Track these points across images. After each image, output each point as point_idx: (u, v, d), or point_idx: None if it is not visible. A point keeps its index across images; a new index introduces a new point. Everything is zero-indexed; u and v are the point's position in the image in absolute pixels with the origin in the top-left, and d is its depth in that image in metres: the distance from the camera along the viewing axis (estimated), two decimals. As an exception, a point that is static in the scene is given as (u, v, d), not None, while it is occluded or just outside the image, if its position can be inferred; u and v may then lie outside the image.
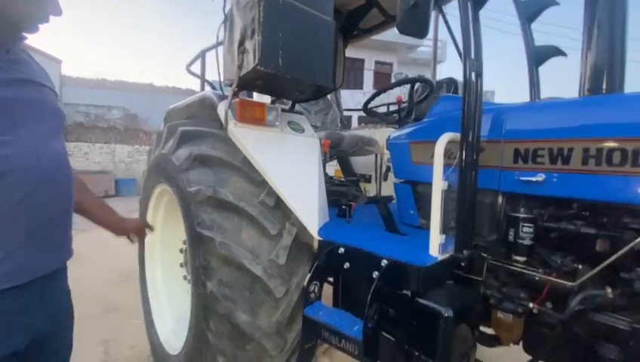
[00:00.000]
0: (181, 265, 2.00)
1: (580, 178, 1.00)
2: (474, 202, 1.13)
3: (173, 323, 1.92)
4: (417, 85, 2.03)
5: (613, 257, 0.94)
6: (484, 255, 1.21)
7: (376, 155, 2.38)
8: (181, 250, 2.00)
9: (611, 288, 0.97)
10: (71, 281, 3.24)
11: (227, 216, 1.30)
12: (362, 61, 16.20)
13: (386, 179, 2.14)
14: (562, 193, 1.04)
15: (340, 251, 1.27)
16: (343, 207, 1.65)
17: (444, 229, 1.12)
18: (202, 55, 2.00)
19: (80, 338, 2.45)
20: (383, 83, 14.82)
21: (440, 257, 1.09)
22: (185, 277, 1.94)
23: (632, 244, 0.91)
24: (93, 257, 4.42)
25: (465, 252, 1.13)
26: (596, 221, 1.01)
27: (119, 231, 1.27)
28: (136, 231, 1.32)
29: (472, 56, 1.10)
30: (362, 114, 2.21)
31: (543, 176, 1.06)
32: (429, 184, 1.35)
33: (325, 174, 1.92)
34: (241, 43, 1.23)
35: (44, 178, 0.79)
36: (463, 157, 1.09)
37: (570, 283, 1.03)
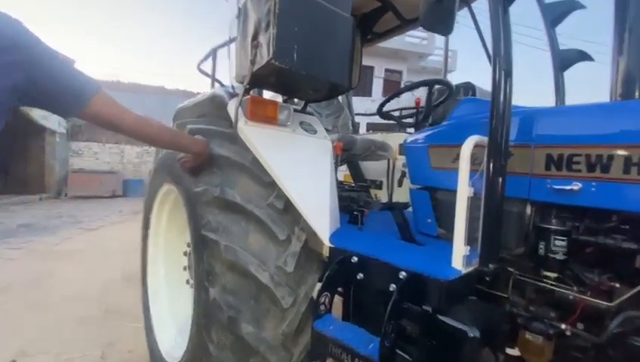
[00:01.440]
0: (184, 269, 1.93)
1: (622, 188, 0.91)
2: (501, 211, 1.04)
3: (174, 331, 1.84)
4: (434, 89, 1.96)
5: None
6: (511, 269, 1.12)
7: (388, 161, 2.31)
8: (185, 253, 1.93)
9: None
10: (73, 282, 3.20)
11: (234, 219, 1.23)
12: (372, 68, 16.19)
13: (401, 185, 2.06)
14: (601, 204, 0.95)
15: (352, 260, 1.18)
16: (355, 213, 1.57)
17: (471, 241, 1.03)
18: (213, 53, 1.96)
19: (78, 341, 2.41)
20: (393, 91, 14.76)
21: (464, 271, 1.00)
22: (187, 282, 1.87)
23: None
24: (96, 256, 4.39)
25: (491, 266, 1.04)
26: (638, 235, 0.92)
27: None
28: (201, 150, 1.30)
29: (502, 53, 1.02)
30: (371, 120, 2.15)
31: (580, 185, 0.97)
32: (450, 191, 1.26)
33: (336, 179, 1.85)
34: (255, 37, 1.18)
35: None
36: (491, 163, 1.01)
37: (607, 304, 0.93)
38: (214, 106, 1.59)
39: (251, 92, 1.41)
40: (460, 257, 1.00)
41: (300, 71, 1.16)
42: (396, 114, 2.13)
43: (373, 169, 2.61)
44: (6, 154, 9.66)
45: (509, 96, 1.03)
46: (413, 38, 16.65)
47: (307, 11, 1.18)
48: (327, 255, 1.44)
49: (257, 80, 1.29)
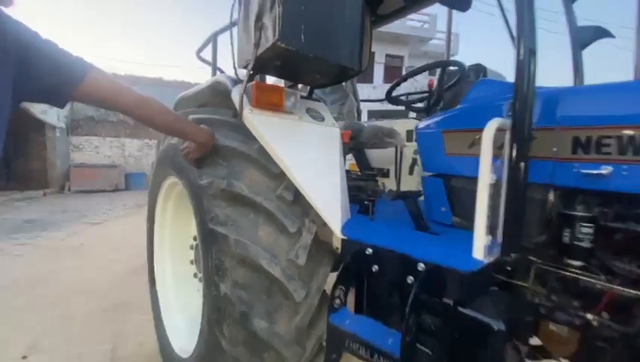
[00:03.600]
0: (191, 262, 1.90)
1: (658, 171, 0.85)
2: (524, 198, 0.98)
3: (184, 324, 1.83)
4: (439, 71, 1.88)
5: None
6: (532, 258, 1.07)
7: (396, 148, 2.24)
8: (191, 247, 1.90)
9: None
10: (81, 276, 3.19)
11: (242, 212, 1.18)
12: (372, 54, 15.88)
13: (412, 172, 2.00)
14: (633, 188, 0.89)
15: (367, 252, 1.14)
16: (366, 203, 1.52)
17: (492, 229, 0.98)
18: (214, 39, 1.88)
19: (88, 335, 2.41)
20: (394, 77, 14.53)
21: (486, 261, 0.95)
22: (195, 275, 1.84)
23: None
24: (102, 250, 4.40)
25: (513, 255, 0.99)
26: (676, 222, 0.86)
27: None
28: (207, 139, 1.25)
29: (527, 32, 0.95)
30: (372, 107, 2.08)
31: (610, 169, 0.91)
32: (466, 178, 1.21)
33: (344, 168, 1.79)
34: (259, 18, 1.10)
35: None
36: (514, 147, 0.95)
37: (637, 292, 0.88)
38: (216, 94, 1.52)
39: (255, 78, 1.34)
40: (481, 247, 0.95)
41: (308, 53, 1.09)
42: (404, 98, 2.06)
43: (379, 157, 2.54)
44: (7, 151, 9.64)
45: (533, 76, 0.96)
46: (414, 22, 16.28)
47: (314, -12, 1.10)
48: (338, 246, 1.40)
49: (262, 64, 1.22)
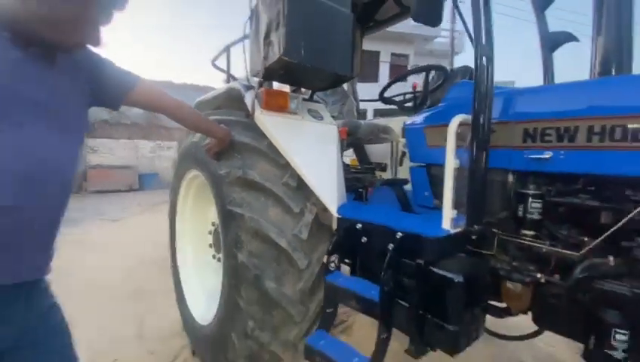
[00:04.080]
0: (210, 246, 2.16)
1: (585, 154, 1.07)
2: (484, 180, 1.20)
3: (204, 299, 2.09)
4: (433, 73, 2.09)
5: (614, 228, 1.00)
6: (495, 230, 1.29)
7: (392, 143, 2.46)
8: (210, 232, 2.16)
9: (613, 257, 1.03)
10: (104, 267, 3.59)
11: (255, 195, 1.43)
12: (378, 53, 16.04)
13: (401, 164, 2.22)
14: (568, 169, 1.11)
15: (357, 227, 1.38)
16: (360, 190, 1.75)
17: (457, 206, 1.20)
18: (227, 50, 2.13)
19: (115, 317, 2.69)
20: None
21: (452, 230, 1.18)
22: (214, 256, 2.10)
23: (631, 215, 0.98)
24: (121, 244, 4.72)
25: (476, 226, 1.21)
26: (600, 194, 1.08)
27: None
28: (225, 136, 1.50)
29: (483, 41, 1.17)
30: (378, 106, 2.30)
31: (551, 154, 1.13)
32: (442, 166, 1.44)
33: (342, 162, 2.02)
34: (267, 35, 1.35)
35: (31, 181, 0.72)
36: (474, 138, 1.17)
37: (575, 254, 1.10)
38: (231, 99, 1.78)
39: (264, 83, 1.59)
40: (448, 219, 1.18)
41: (308, 64, 1.34)
42: (400, 98, 2.28)
43: (377, 152, 2.77)
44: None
45: (490, 79, 1.18)
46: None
47: (312, 11, 1.34)
48: (336, 228, 1.63)
49: (270, 73, 1.47)
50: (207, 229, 2.16)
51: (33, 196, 0.73)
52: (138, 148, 12.01)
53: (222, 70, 2.27)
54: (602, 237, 1.03)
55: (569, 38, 1.76)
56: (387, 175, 2.69)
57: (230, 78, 2.22)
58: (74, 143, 0.84)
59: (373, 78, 15.77)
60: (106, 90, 1.00)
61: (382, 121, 2.54)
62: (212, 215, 2.11)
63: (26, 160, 0.71)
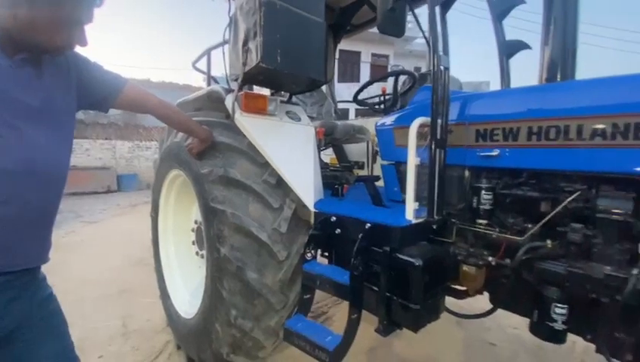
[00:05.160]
0: (193, 243, 2.22)
1: (526, 151, 1.23)
2: (443, 175, 1.35)
3: (187, 294, 2.16)
4: (405, 77, 2.24)
5: (550, 215, 1.17)
6: (454, 220, 1.44)
7: (367, 143, 2.60)
8: (192, 230, 2.23)
9: (551, 240, 1.20)
10: (85, 268, 3.62)
11: (236, 192, 1.52)
12: (359, 54, 16.30)
13: (375, 161, 2.37)
14: (513, 164, 1.27)
15: (332, 220, 1.50)
16: (336, 186, 1.88)
17: (419, 199, 1.34)
18: (208, 53, 2.20)
19: (99, 315, 2.71)
20: (380, 75, 14.98)
21: (414, 220, 1.31)
22: (197, 253, 2.17)
23: (564, 203, 1.14)
24: (102, 246, 4.66)
25: (436, 217, 1.36)
26: (539, 186, 1.24)
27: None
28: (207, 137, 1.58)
29: (440, 52, 1.31)
30: (359, 106, 2.43)
31: (498, 151, 1.28)
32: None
33: (321, 161, 2.14)
34: (245, 43, 1.44)
35: (30, 178, 0.79)
36: (433, 138, 1.31)
37: (519, 238, 1.26)
38: (211, 100, 1.85)
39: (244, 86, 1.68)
40: (411, 210, 1.31)
41: (284, 70, 1.44)
42: (376, 100, 2.42)
43: (355, 151, 2.91)
44: None
45: (447, 86, 1.33)
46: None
47: (287, 20, 1.45)
48: (313, 222, 1.74)
49: (248, 78, 1.56)
50: (190, 227, 2.22)
51: (33, 189, 0.79)
52: (116, 148, 11.69)
53: (202, 72, 2.34)
54: (540, 224, 1.20)
55: (523, 46, 1.94)
56: (364, 172, 2.83)
57: (211, 79, 2.29)
58: (66, 142, 0.91)
59: (355, 77, 16.02)
60: (95, 92, 1.05)
61: (357, 122, 2.68)
62: (194, 213, 2.18)
63: (24, 159, 0.77)
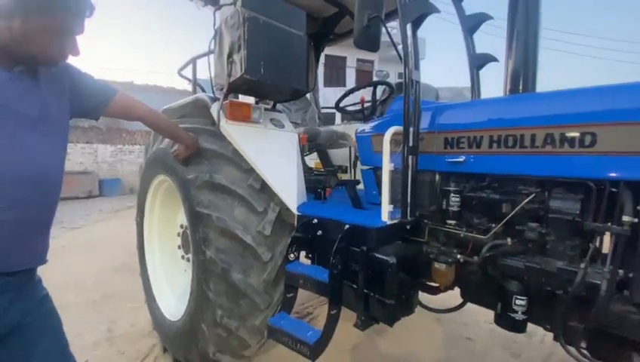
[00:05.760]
0: (179, 247, 2.26)
1: (488, 158, 1.35)
2: (415, 180, 1.46)
3: (173, 297, 2.19)
4: (384, 87, 2.37)
5: (509, 215, 1.29)
6: (426, 221, 1.55)
7: (350, 148, 2.71)
8: (178, 234, 2.27)
9: (511, 238, 1.32)
10: (68, 274, 3.64)
11: (222, 197, 1.59)
12: (344, 59, 16.52)
13: (355, 166, 2.47)
14: (477, 170, 1.39)
15: (314, 222, 1.58)
16: (319, 190, 1.97)
17: (394, 201, 1.44)
18: (193, 61, 2.27)
19: (84, 320, 2.71)
20: (365, 80, 15.29)
21: (389, 221, 1.42)
22: (183, 257, 2.21)
23: (521, 205, 1.27)
24: (84, 252, 4.59)
25: (409, 218, 1.46)
26: (501, 189, 1.37)
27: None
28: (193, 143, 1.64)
29: (411, 66, 1.42)
30: (341, 113, 2.54)
31: (463, 158, 1.40)
32: (385, 168, 1.67)
33: (305, 165, 2.23)
34: (230, 55, 1.52)
35: (30, 184, 0.85)
36: (405, 146, 1.42)
37: (484, 237, 1.37)
38: (197, 108, 1.92)
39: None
40: (386, 212, 1.42)
41: (267, 81, 1.52)
42: (354, 108, 2.53)
43: (339, 156, 3.01)
44: None
45: (418, 97, 1.44)
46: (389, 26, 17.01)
47: (270, 35, 1.53)
48: (297, 224, 1.82)
49: (233, 88, 1.64)
50: (176, 231, 2.26)
51: (33, 194, 0.85)
52: (98, 152, 11.44)
53: (188, 79, 2.39)
54: (501, 223, 1.32)
55: (491, 59, 2.10)
56: (347, 176, 2.94)
57: (197, 86, 2.35)
58: (62, 147, 0.98)
59: (341, 82, 16.22)
60: (87, 101, 1.11)
61: (340, 128, 2.78)
62: (180, 217, 2.22)
63: (25, 166, 0.83)
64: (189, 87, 2.55)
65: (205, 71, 1.90)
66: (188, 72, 2.45)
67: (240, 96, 2.24)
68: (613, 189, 1.10)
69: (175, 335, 1.90)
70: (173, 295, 2.20)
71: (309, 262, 1.76)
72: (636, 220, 1.02)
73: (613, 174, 1.08)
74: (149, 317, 2.31)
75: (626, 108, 1.06)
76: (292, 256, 1.51)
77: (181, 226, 2.21)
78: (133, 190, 10.61)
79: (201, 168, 1.64)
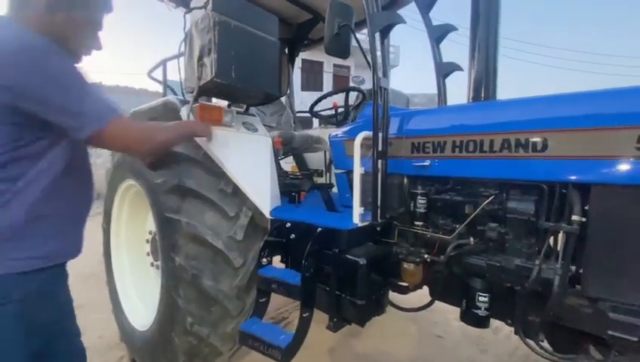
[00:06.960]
0: (147, 254, 2.19)
1: (451, 162, 1.42)
2: (385, 183, 1.50)
3: (142, 306, 2.11)
4: (357, 93, 2.42)
5: (471, 216, 1.36)
6: (396, 223, 1.60)
7: (325, 152, 2.74)
8: (147, 240, 2.19)
9: (473, 238, 1.39)
10: None
11: (191, 202, 1.56)
12: (321, 64, 16.68)
13: (330, 170, 2.51)
14: (441, 173, 1.46)
15: (287, 225, 1.59)
16: (293, 194, 1.97)
17: (364, 204, 1.48)
18: (164, 63, 2.21)
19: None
20: (342, 84, 15.51)
21: (360, 224, 1.45)
22: (152, 264, 2.14)
23: (481, 206, 1.34)
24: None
25: (379, 220, 1.50)
26: (464, 192, 1.44)
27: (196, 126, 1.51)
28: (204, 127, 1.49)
29: (379, 74, 1.47)
30: (316, 118, 2.57)
31: (429, 162, 1.46)
32: (357, 171, 1.70)
33: (280, 169, 2.23)
34: (200, 58, 1.50)
35: (78, 181, 0.98)
36: (375, 150, 1.46)
37: (448, 237, 1.44)
38: (167, 111, 1.87)
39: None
40: (357, 215, 1.45)
41: (238, 85, 1.52)
42: (327, 113, 2.57)
43: (314, 159, 3.03)
44: None
45: (386, 104, 1.49)
46: (360, 35, 17.37)
47: (241, 39, 1.53)
48: (270, 229, 1.82)
49: (203, 91, 1.62)
50: (144, 238, 2.19)
51: (80, 187, 0.99)
52: (62, 156, 10.82)
53: (158, 81, 2.34)
54: (464, 224, 1.38)
55: (456, 67, 2.20)
56: (323, 179, 2.97)
57: (167, 89, 2.30)
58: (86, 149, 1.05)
59: (318, 87, 16.35)
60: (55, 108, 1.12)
61: (315, 132, 2.81)
62: (149, 223, 2.16)
63: (72, 160, 0.93)
64: (162, 89, 2.49)
65: (176, 73, 1.88)
66: (159, 74, 2.41)
67: (213, 99, 2.22)
68: (564, 191, 1.19)
69: (144, 345, 1.83)
70: (142, 304, 2.12)
71: (283, 266, 1.76)
72: (584, 219, 1.11)
73: (562, 177, 1.17)
74: (117, 328, 2.21)
75: (573, 116, 1.15)
76: (265, 260, 1.51)
77: (150, 232, 2.15)
78: (100, 195, 10.10)
79: (170, 172, 1.60)
